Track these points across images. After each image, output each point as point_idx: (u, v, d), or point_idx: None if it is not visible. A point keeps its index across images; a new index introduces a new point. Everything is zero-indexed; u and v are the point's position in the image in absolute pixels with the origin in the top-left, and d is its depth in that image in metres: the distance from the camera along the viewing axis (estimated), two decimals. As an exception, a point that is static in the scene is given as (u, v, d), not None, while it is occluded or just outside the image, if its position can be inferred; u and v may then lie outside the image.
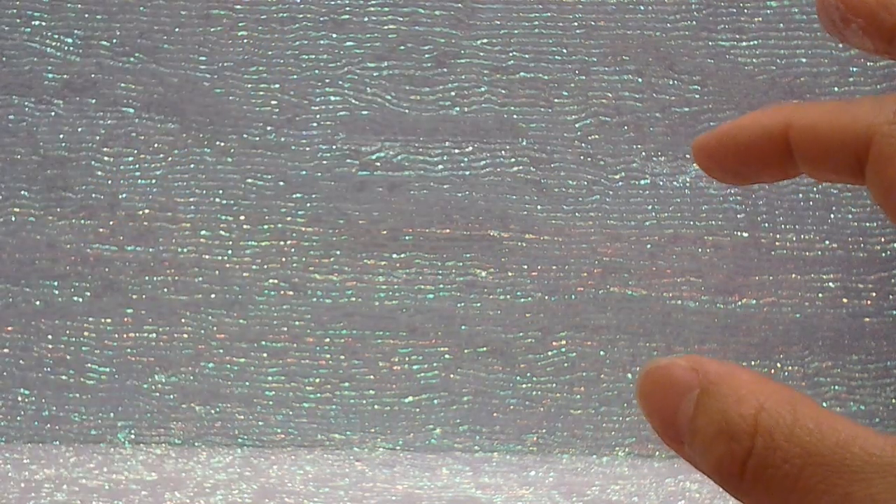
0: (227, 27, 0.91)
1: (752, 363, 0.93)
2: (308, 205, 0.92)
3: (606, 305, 0.92)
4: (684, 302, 0.92)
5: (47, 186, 0.92)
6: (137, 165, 0.92)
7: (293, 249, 0.92)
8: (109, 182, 0.92)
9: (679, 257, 0.92)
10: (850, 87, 0.90)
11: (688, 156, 0.91)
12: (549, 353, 0.93)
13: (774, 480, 0.28)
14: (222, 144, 0.92)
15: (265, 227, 0.92)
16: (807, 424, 0.29)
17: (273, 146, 0.92)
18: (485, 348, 0.93)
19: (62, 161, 0.91)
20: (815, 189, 0.91)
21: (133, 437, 0.93)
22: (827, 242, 0.92)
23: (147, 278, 0.92)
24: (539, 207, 0.92)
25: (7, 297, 0.92)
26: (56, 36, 0.91)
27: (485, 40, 0.91)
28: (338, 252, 0.92)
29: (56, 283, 0.92)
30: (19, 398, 0.93)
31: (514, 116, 0.91)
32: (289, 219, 0.92)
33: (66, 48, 0.91)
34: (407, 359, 0.93)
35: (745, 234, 0.92)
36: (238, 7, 0.91)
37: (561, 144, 0.91)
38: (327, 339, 0.93)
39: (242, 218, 0.92)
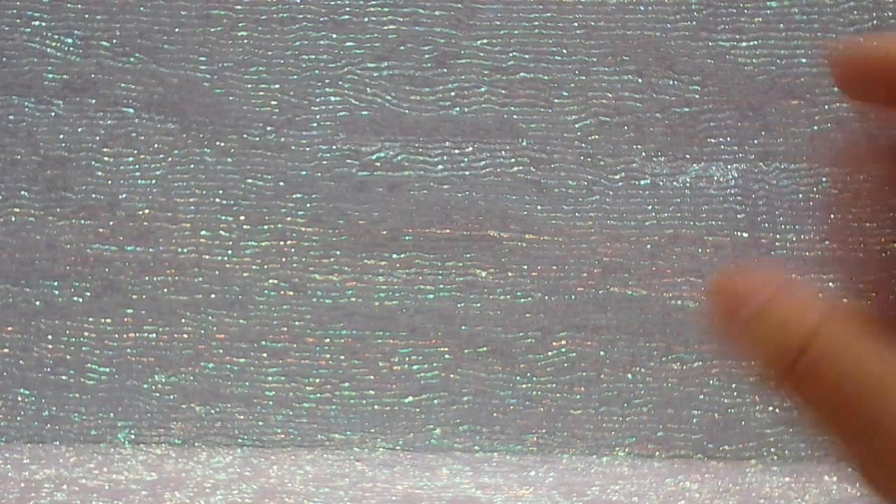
0: (227, 27, 0.91)
1: (752, 363, 0.93)
2: (308, 205, 0.92)
3: (606, 305, 0.92)
4: (684, 302, 0.92)
5: (47, 186, 0.92)
6: (137, 165, 0.91)
7: (293, 249, 0.92)
8: (109, 182, 0.92)
9: (679, 257, 0.92)
10: (850, 88, 0.90)
11: (688, 156, 0.91)
12: (549, 353, 0.93)
13: (823, 374, 0.29)
14: (222, 144, 0.92)
15: (265, 227, 0.92)
16: (868, 336, 0.30)
17: (273, 146, 0.92)
18: (485, 348, 0.93)
19: (62, 161, 0.91)
20: (815, 189, 0.91)
21: (133, 437, 0.93)
22: (827, 242, 0.92)
23: (147, 278, 0.92)
24: (539, 207, 0.92)
25: (7, 297, 0.92)
26: (56, 36, 0.91)
27: (485, 40, 0.91)
28: (338, 252, 0.92)
29: (56, 283, 0.92)
30: (19, 398, 0.93)
31: (514, 116, 0.91)
32: (289, 219, 0.92)
33: (66, 48, 0.91)
34: (407, 359, 0.93)
35: (745, 234, 0.92)
36: (238, 7, 0.91)
37: (561, 144, 0.91)
38: (327, 339, 0.93)
39: (242, 218, 0.92)
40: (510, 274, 0.92)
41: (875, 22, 0.90)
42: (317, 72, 0.91)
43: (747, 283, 0.30)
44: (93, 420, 0.93)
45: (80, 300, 0.92)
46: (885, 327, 0.29)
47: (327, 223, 0.92)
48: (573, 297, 0.92)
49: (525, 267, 0.92)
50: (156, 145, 0.92)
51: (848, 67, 0.34)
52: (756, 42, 0.90)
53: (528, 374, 0.93)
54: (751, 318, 0.30)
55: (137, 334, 0.92)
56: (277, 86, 0.91)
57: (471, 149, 0.92)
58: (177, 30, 0.91)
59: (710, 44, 0.90)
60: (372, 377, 0.93)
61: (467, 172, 0.92)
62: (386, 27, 0.91)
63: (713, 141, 0.91)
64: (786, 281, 0.30)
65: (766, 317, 0.29)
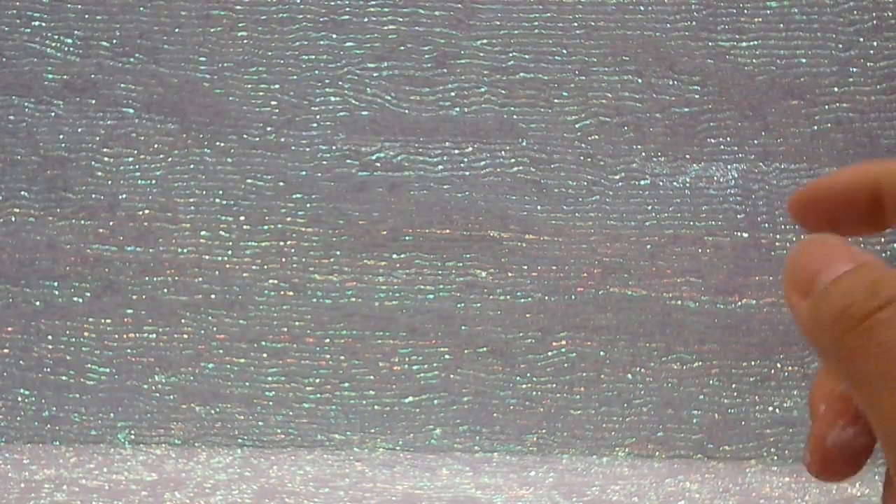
0: (227, 27, 0.91)
1: (753, 363, 0.93)
2: (308, 205, 0.92)
3: (606, 305, 0.92)
4: (684, 302, 0.92)
5: (47, 187, 0.92)
6: (137, 166, 0.92)
7: (293, 249, 0.92)
8: (109, 182, 0.92)
9: (679, 257, 0.92)
10: (849, 87, 0.90)
11: (688, 156, 0.91)
12: (549, 353, 0.93)
13: (888, 337, 0.33)
14: (222, 144, 0.92)
15: (265, 227, 0.92)
16: None
17: (273, 146, 0.92)
18: (485, 348, 0.93)
19: (62, 161, 0.91)
20: (815, 189, 0.91)
21: (133, 437, 0.93)
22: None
23: (147, 279, 0.92)
24: (539, 207, 0.92)
25: (7, 298, 0.92)
26: (56, 36, 0.91)
27: (485, 40, 0.91)
28: (338, 252, 0.92)
29: (56, 284, 0.92)
30: (19, 398, 0.93)
31: (514, 116, 0.91)
32: (289, 219, 0.92)
33: (66, 49, 0.91)
34: (407, 359, 0.93)
35: (745, 234, 0.92)
36: (238, 7, 0.91)
37: (561, 144, 0.91)
38: (327, 340, 0.93)
39: (242, 218, 0.92)
40: (510, 274, 0.92)
41: (875, 22, 0.90)
42: (317, 72, 0.91)
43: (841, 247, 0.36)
44: (93, 420, 0.93)
45: (80, 300, 0.92)
46: None
47: (327, 223, 0.92)
48: (573, 297, 0.92)
49: (525, 267, 0.92)
50: (156, 145, 0.92)
51: (801, 204, 0.39)
52: (756, 42, 0.90)
53: (528, 374, 0.93)
54: (839, 274, 0.35)
55: (137, 334, 0.92)
56: (277, 86, 0.91)
57: (471, 149, 0.92)
58: (177, 30, 0.91)
59: (710, 44, 0.90)
60: (372, 377, 0.93)
61: (467, 172, 0.92)
62: (386, 27, 0.91)
63: (713, 141, 0.91)
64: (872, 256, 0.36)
65: (857, 275, 0.35)
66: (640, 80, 0.91)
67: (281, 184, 0.92)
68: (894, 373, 0.32)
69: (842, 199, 0.38)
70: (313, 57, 0.91)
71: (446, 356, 0.93)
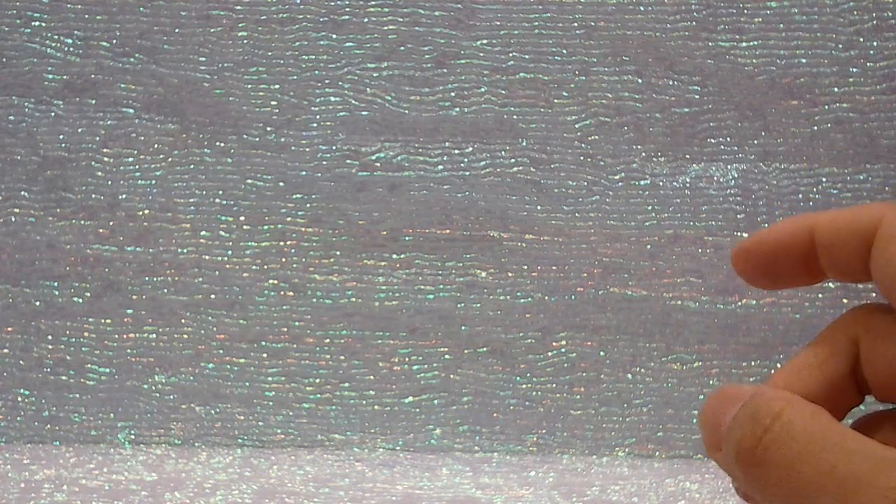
0: (227, 27, 0.91)
1: (752, 363, 0.93)
2: (308, 205, 0.92)
3: (606, 305, 0.92)
4: (684, 302, 0.92)
5: (47, 187, 0.92)
6: (137, 166, 0.92)
7: (293, 249, 0.92)
8: (109, 182, 0.92)
9: (679, 257, 0.92)
10: (849, 87, 0.90)
11: (688, 156, 0.92)
12: (549, 353, 0.93)
13: (780, 456, 0.34)
14: (222, 145, 0.92)
15: (265, 227, 0.92)
16: (821, 420, 0.34)
17: (273, 146, 0.92)
18: (485, 348, 0.93)
19: (62, 161, 0.91)
20: (815, 189, 0.91)
21: (133, 437, 0.93)
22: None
23: (147, 279, 0.92)
24: (539, 208, 0.92)
25: (7, 298, 0.92)
26: (56, 36, 0.91)
27: (485, 40, 0.91)
28: (338, 252, 0.92)
29: (56, 284, 0.92)
30: (19, 398, 0.93)
31: (514, 116, 0.91)
32: (289, 219, 0.92)
33: (66, 49, 0.91)
34: (407, 359, 0.93)
35: (745, 235, 0.92)
36: (238, 7, 0.91)
37: (561, 144, 0.91)
38: (327, 340, 0.93)
39: (242, 218, 0.92)
40: (510, 274, 0.92)
41: (875, 22, 0.90)
42: (317, 72, 0.91)
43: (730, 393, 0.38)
44: (93, 420, 0.93)
45: (80, 300, 0.92)
46: (834, 412, 0.36)
47: (327, 223, 0.92)
48: (573, 297, 0.92)
49: (525, 267, 0.92)
50: (156, 145, 0.92)
51: (744, 256, 0.40)
52: (756, 42, 0.90)
53: (528, 374, 0.93)
54: (731, 416, 0.37)
55: (137, 334, 0.93)
56: (277, 86, 0.91)
57: (471, 149, 0.92)
58: (177, 30, 0.91)
59: (710, 44, 0.90)
60: (372, 377, 0.93)
61: (467, 172, 0.92)
62: (386, 27, 0.91)
63: (713, 141, 0.91)
64: (759, 387, 0.38)
65: (742, 409, 0.36)
66: (640, 80, 0.91)
67: (281, 184, 0.92)
68: (800, 489, 0.34)
69: (780, 251, 0.39)
70: (313, 57, 0.91)
71: (446, 356, 0.93)
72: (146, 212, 0.92)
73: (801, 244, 0.38)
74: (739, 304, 0.92)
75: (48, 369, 0.93)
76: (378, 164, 0.92)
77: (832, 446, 0.33)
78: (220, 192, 0.92)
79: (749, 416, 0.35)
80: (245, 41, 0.91)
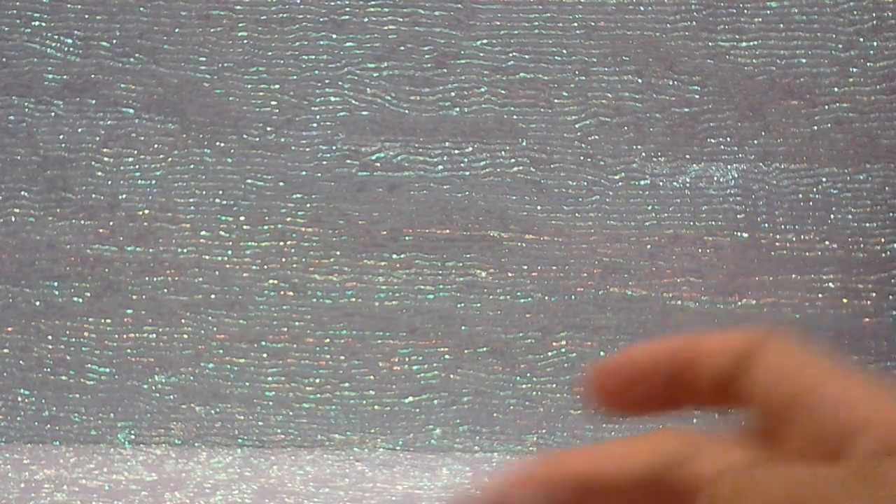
0: (227, 27, 0.91)
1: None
2: (308, 205, 0.92)
3: (606, 305, 0.92)
4: (684, 302, 0.92)
5: (47, 187, 0.92)
6: (137, 166, 0.92)
7: (293, 249, 0.92)
8: (109, 182, 0.92)
9: (679, 257, 0.92)
10: (849, 87, 0.90)
11: (688, 156, 0.91)
12: (549, 353, 0.93)
13: None
14: (222, 144, 0.92)
15: (265, 227, 0.92)
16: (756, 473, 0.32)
17: (273, 146, 0.92)
18: (485, 348, 0.93)
19: (62, 161, 0.91)
20: (815, 189, 0.91)
21: (133, 437, 0.93)
22: (827, 242, 0.92)
23: (147, 279, 0.92)
24: (539, 207, 0.92)
25: (7, 298, 0.92)
26: (56, 36, 0.91)
27: (485, 40, 0.91)
28: (338, 252, 0.92)
29: (56, 284, 0.92)
30: (19, 398, 0.93)
31: (514, 116, 0.91)
32: (289, 219, 0.92)
33: (66, 49, 0.91)
34: (407, 359, 0.93)
35: (745, 234, 0.92)
36: (238, 7, 0.91)
37: (561, 144, 0.91)
38: (327, 340, 0.93)
39: (242, 218, 0.92)
40: (510, 274, 0.92)
41: (875, 22, 0.90)
42: (317, 72, 0.91)
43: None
44: (93, 420, 0.93)
45: (80, 300, 0.92)
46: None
47: (327, 223, 0.92)
48: (573, 297, 0.92)
49: (525, 267, 0.92)
50: (156, 145, 0.92)
51: (602, 377, 0.37)
52: (756, 42, 0.90)
53: (528, 374, 0.93)
54: None
55: (137, 334, 0.92)
56: (277, 86, 0.91)
57: (471, 149, 0.92)
58: (177, 30, 0.91)
59: (710, 44, 0.90)
60: (372, 377, 0.93)
61: (467, 172, 0.92)
62: (386, 27, 0.91)
63: (713, 141, 0.91)
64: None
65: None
66: (640, 80, 0.91)
67: (281, 184, 0.92)
68: None
69: (647, 371, 0.36)
70: (313, 57, 0.91)
71: (446, 356, 0.93)
72: (146, 212, 0.92)
73: (671, 366, 0.36)
74: (739, 304, 0.92)
75: (48, 369, 0.93)
76: (378, 164, 0.92)
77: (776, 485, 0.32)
78: (220, 192, 0.92)
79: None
80: (245, 41, 0.91)
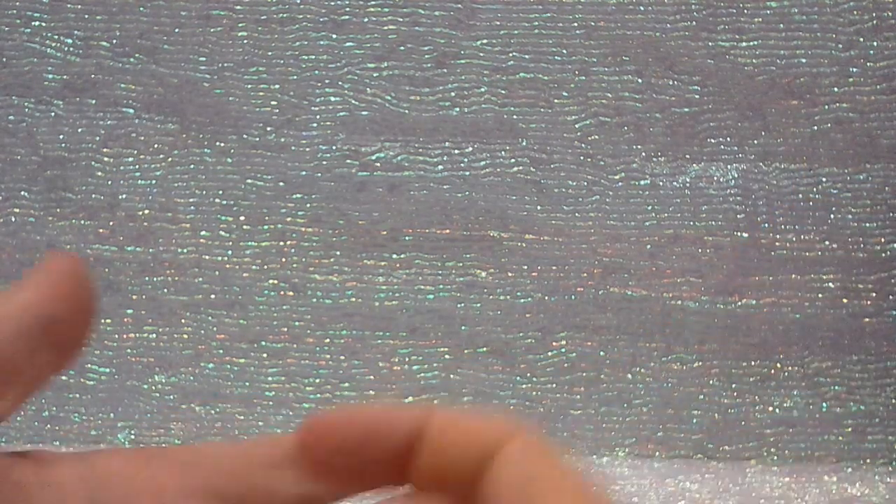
0: (227, 27, 0.91)
1: (752, 363, 0.93)
2: (308, 205, 0.92)
3: (606, 305, 0.92)
4: (684, 302, 0.92)
5: (47, 187, 0.92)
6: (137, 166, 0.92)
7: (293, 249, 0.92)
8: (109, 182, 0.92)
9: (679, 257, 0.92)
10: (849, 87, 0.90)
11: (688, 156, 0.91)
12: (549, 353, 0.93)
13: None
14: (222, 144, 0.92)
15: (265, 227, 0.92)
16: None
17: (273, 146, 0.92)
18: (485, 348, 0.93)
19: (62, 161, 0.91)
20: (815, 189, 0.91)
21: (133, 437, 0.93)
22: (827, 242, 0.92)
23: (147, 279, 0.92)
24: (539, 207, 0.92)
25: (7, 298, 0.92)
26: (56, 36, 0.91)
27: (485, 40, 0.91)
28: (338, 252, 0.92)
29: (56, 284, 0.92)
30: (19, 398, 0.93)
31: (514, 116, 0.91)
32: (289, 219, 0.92)
33: (66, 49, 0.91)
34: (407, 359, 0.93)
35: (745, 234, 0.92)
36: (238, 7, 0.91)
37: (561, 144, 0.91)
38: (327, 340, 0.93)
39: (242, 218, 0.92)
40: (510, 274, 0.92)
41: (875, 22, 0.90)
42: (317, 72, 0.91)
43: None
44: (93, 420, 0.93)
45: (80, 300, 0.92)
46: None
47: (327, 223, 0.92)
48: (573, 297, 0.92)
49: (525, 267, 0.92)
50: (156, 145, 0.92)
51: (321, 429, 0.33)
52: (756, 42, 0.90)
53: (528, 374, 0.93)
54: None
55: (137, 334, 0.92)
56: (277, 86, 0.91)
57: (471, 149, 0.92)
58: (177, 30, 0.91)
59: (710, 44, 0.90)
60: (372, 377, 0.93)
61: (467, 172, 0.92)
62: (386, 27, 0.91)
63: (713, 141, 0.91)
64: None
65: None
66: (640, 80, 0.91)
67: (281, 184, 0.92)
68: None
69: (376, 435, 0.33)
70: (313, 57, 0.91)
71: (446, 356, 0.93)
72: (146, 212, 0.92)
73: (404, 436, 0.32)
74: (739, 304, 0.92)
75: (48, 369, 0.92)
76: (378, 164, 0.92)
77: None
78: (220, 192, 0.92)
79: None
80: (245, 41, 0.91)
